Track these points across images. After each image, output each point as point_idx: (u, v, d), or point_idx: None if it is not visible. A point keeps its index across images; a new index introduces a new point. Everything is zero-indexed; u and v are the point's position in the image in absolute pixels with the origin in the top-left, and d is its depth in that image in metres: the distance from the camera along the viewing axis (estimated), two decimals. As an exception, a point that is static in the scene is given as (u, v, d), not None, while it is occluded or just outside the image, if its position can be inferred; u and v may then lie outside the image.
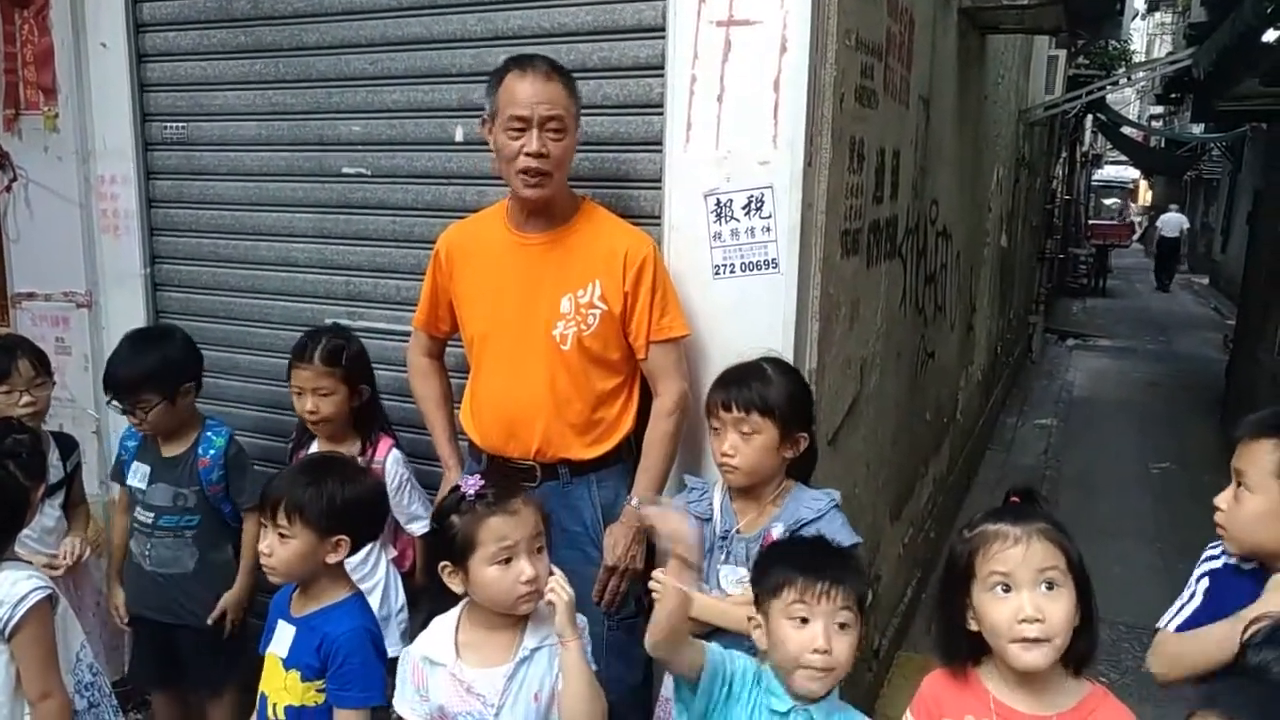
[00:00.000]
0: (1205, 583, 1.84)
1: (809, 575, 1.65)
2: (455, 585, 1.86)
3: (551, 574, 1.85)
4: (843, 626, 1.65)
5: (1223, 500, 1.78)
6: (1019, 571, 1.53)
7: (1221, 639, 1.64)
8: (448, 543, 1.85)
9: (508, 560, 1.81)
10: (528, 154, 2.22)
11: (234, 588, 2.78)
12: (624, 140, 2.53)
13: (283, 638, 2.04)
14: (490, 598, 1.84)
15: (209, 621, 2.74)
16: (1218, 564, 1.84)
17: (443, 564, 1.87)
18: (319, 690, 1.98)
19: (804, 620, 1.65)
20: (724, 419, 2.11)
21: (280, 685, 2.01)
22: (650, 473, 2.35)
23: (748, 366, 2.16)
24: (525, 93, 2.22)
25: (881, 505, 3.44)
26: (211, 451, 2.74)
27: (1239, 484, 1.75)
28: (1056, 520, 1.60)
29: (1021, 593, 1.53)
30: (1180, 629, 1.82)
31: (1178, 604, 1.86)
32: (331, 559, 2.00)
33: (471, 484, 1.88)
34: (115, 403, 2.72)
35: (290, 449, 2.85)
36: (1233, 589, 1.76)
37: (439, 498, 2.61)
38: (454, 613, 1.93)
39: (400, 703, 1.92)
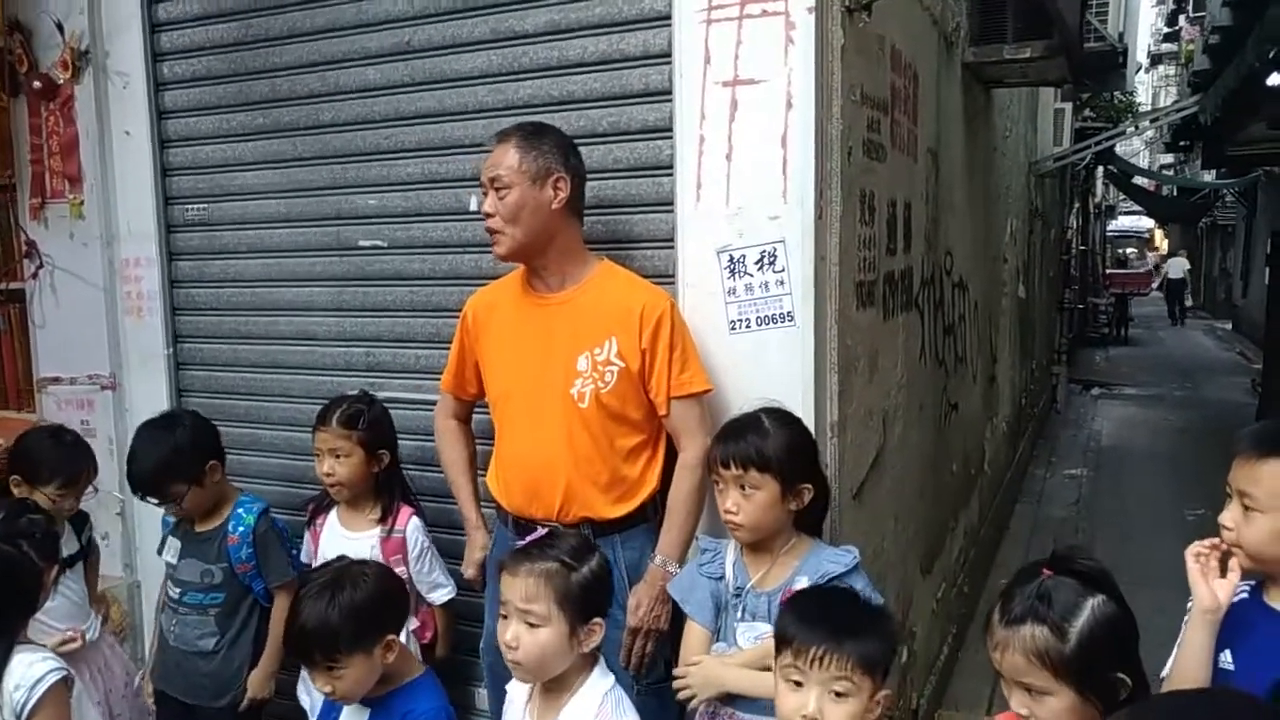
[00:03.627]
0: None
1: (805, 637, 1.62)
2: None
3: None
4: (839, 695, 1.60)
5: (1229, 520, 1.70)
6: (1003, 670, 1.56)
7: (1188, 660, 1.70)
8: None
9: (505, 616, 1.86)
10: (483, 214, 2.36)
11: (259, 665, 2.73)
12: (636, 202, 2.56)
13: None
14: None
15: (240, 709, 2.70)
16: None
17: None
18: None
19: (798, 684, 1.62)
20: (724, 476, 2.06)
21: None
22: (674, 531, 2.31)
23: (744, 420, 2.12)
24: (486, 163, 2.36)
25: (912, 559, 3.37)
26: (241, 528, 2.72)
27: (1245, 505, 1.67)
28: (1056, 618, 1.50)
29: (1011, 689, 1.57)
30: None
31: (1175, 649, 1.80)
32: (388, 658, 2.00)
33: (533, 534, 1.99)
34: (148, 499, 2.72)
35: (309, 514, 2.82)
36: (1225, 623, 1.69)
37: (465, 562, 2.60)
38: None
39: None
